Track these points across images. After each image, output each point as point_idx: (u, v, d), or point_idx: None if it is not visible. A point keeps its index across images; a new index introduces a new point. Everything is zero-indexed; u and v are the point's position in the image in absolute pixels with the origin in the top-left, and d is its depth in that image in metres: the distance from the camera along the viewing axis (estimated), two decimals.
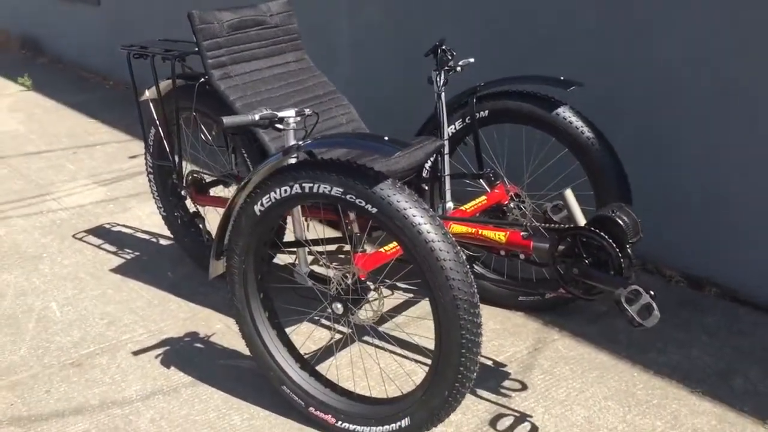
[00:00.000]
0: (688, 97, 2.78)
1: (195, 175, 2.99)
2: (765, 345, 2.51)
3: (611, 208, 2.04)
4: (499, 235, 2.27)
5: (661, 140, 2.89)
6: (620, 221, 2.00)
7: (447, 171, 2.72)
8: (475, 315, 1.87)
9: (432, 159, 2.80)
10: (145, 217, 3.79)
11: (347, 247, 2.21)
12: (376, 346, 2.56)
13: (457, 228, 2.36)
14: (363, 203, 1.88)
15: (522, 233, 2.22)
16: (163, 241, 3.51)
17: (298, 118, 2.11)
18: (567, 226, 2.08)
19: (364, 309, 2.14)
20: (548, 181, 2.77)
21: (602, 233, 1.99)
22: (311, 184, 1.95)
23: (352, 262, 2.11)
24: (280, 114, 2.07)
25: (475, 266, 2.85)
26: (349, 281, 2.09)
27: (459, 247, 1.88)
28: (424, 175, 2.84)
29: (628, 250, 2.01)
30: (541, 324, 2.73)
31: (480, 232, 2.32)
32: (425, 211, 1.86)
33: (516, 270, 2.87)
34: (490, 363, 2.52)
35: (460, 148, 2.86)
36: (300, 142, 2.07)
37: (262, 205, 2.05)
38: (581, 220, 2.10)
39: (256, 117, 2.02)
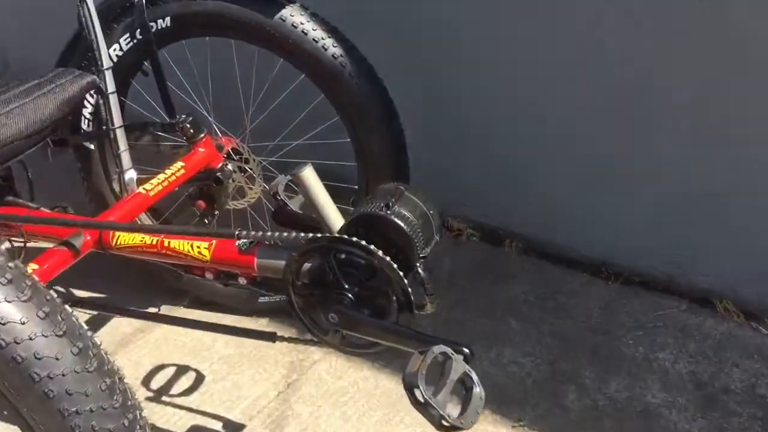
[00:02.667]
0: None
1: None
2: (592, 324, 1.86)
3: (385, 198, 1.14)
4: (200, 249, 1.30)
5: (449, 73, 2.04)
6: (401, 223, 1.12)
7: (118, 121, 1.66)
8: None
9: (93, 102, 1.71)
10: None
11: None
12: None
13: (127, 238, 1.35)
14: None
15: (238, 243, 1.27)
16: None
17: None
18: (311, 235, 1.16)
19: None
20: (284, 125, 1.82)
21: (371, 247, 1.11)
22: None
23: None
24: None
25: None
26: None
27: (100, 351, 0.90)
28: (84, 127, 1.75)
29: (420, 270, 1.15)
30: (294, 335, 1.85)
31: (167, 244, 1.33)
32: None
33: None
34: (218, 427, 1.61)
35: (138, 81, 1.79)
36: None
37: None
38: (334, 221, 1.19)
39: None
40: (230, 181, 1.74)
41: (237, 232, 1.19)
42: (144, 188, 1.53)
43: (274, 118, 1.81)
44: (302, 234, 1.15)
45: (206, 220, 1.78)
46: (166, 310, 1.97)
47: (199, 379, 1.75)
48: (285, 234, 1.16)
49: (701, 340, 1.79)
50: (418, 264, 1.14)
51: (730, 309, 1.85)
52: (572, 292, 1.97)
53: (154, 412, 1.65)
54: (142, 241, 1.34)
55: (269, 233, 1.18)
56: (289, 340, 1.35)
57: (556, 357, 1.76)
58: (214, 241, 1.29)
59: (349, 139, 1.66)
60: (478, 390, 1.03)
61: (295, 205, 1.33)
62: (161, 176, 1.57)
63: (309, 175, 1.15)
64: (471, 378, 1.03)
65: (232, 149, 1.73)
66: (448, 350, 1.04)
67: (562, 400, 1.65)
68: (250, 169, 1.74)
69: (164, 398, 1.69)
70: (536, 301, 1.95)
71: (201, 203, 1.75)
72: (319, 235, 1.14)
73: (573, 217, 2.03)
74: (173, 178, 1.58)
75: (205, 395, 1.70)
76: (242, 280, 1.30)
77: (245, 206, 1.81)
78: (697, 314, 1.87)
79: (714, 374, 1.69)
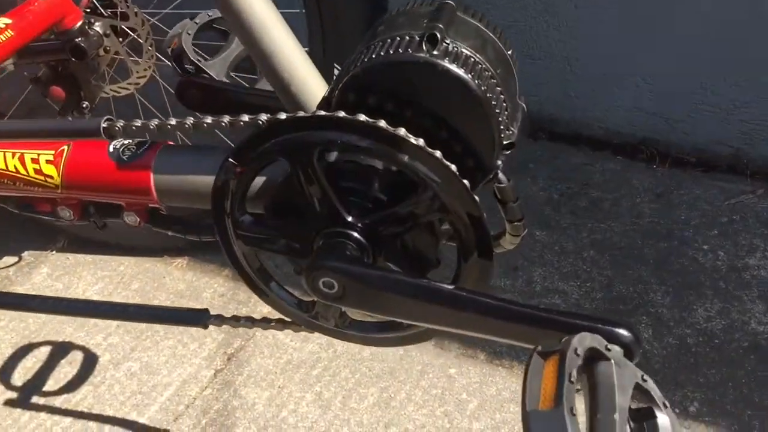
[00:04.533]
0: None
1: None
2: (646, 225, 1.34)
3: (419, 26, 0.53)
4: (39, 166, 0.66)
5: None
6: (466, 75, 0.51)
7: None
8: None
9: None
10: None
11: None
12: None
13: None
14: None
15: (114, 147, 0.64)
16: None
17: None
18: (267, 116, 0.54)
19: None
20: None
21: (400, 132, 0.51)
22: None
23: None
24: None
25: None
26: None
27: None
28: None
29: (500, 173, 0.57)
30: (219, 279, 1.27)
31: None
32: None
33: None
34: None
35: None
36: None
37: None
38: (311, 86, 0.57)
39: None
40: (100, 51, 1.08)
41: (105, 124, 0.56)
42: None
43: None
44: (247, 116, 0.54)
45: (70, 119, 1.12)
46: (32, 257, 1.34)
47: (90, 361, 1.15)
48: (210, 119, 0.55)
49: None
50: (499, 161, 0.55)
51: None
52: (607, 183, 1.44)
53: (21, 424, 1.05)
54: None
55: (175, 120, 0.56)
56: (234, 321, 0.75)
57: (609, 278, 1.24)
58: (66, 147, 0.66)
59: None
60: (666, 419, 0.48)
61: (218, 68, 0.70)
62: None
63: None
64: (651, 395, 0.48)
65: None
66: (599, 341, 0.47)
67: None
68: (132, 30, 1.08)
69: (37, 399, 1.09)
70: (562, 200, 1.41)
71: (57, 90, 1.09)
72: (283, 114, 0.53)
73: (592, 78, 1.47)
74: None
75: (101, 388, 1.11)
76: (130, 218, 0.69)
77: (131, 92, 1.15)
78: None
79: None
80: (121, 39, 1.10)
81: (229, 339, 1.17)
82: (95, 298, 1.25)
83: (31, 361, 1.15)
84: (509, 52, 0.57)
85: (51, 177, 0.66)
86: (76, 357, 1.15)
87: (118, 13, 1.07)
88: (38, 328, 1.20)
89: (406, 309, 0.54)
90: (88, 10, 1.07)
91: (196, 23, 0.73)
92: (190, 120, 0.55)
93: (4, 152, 0.67)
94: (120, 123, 0.56)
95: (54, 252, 1.35)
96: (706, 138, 1.43)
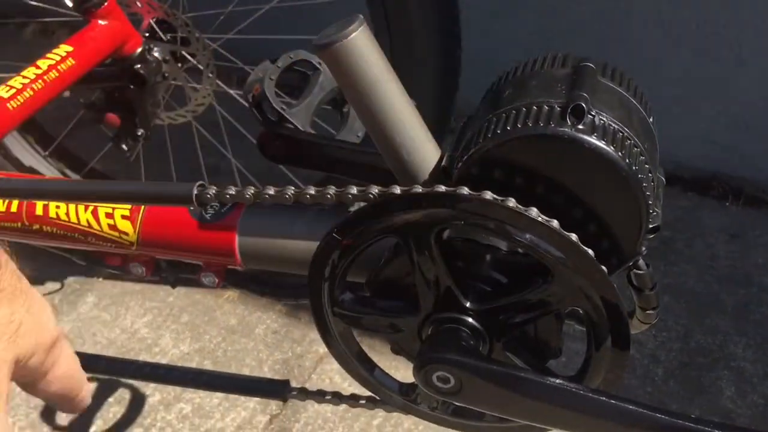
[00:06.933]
0: None
1: None
2: (723, 269, 1.26)
3: (557, 94, 0.46)
4: (114, 222, 0.61)
5: None
6: (616, 154, 0.45)
7: None
8: None
9: None
10: None
11: None
12: None
13: None
14: None
15: (199, 210, 0.59)
16: None
17: None
18: (378, 189, 0.48)
19: None
20: None
21: (535, 216, 0.44)
22: None
23: None
24: None
25: None
26: None
27: None
28: None
29: (641, 261, 0.50)
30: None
31: (43, 213, 0.63)
32: None
33: None
34: None
35: None
36: None
37: None
38: (422, 152, 0.51)
39: None
40: (159, 77, 1.03)
41: (197, 190, 0.51)
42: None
43: None
44: (355, 188, 0.48)
45: (124, 146, 1.07)
46: (78, 284, 1.29)
47: (139, 401, 1.10)
48: (314, 190, 0.49)
49: None
50: (643, 246, 0.49)
51: None
52: (678, 222, 1.36)
53: None
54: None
55: (274, 190, 0.50)
56: (319, 396, 0.69)
57: (686, 327, 1.17)
58: (139, 212, 0.60)
59: None
60: None
61: (302, 117, 0.65)
62: (31, 71, 0.84)
63: (363, 44, 0.47)
64: None
65: (158, 22, 1.01)
66: None
67: (718, 400, 1.06)
68: (192, 55, 1.03)
69: None
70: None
71: (112, 117, 1.04)
72: (398, 189, 0.47)
73: (660, 102, 1.40)
74: (54, 74, 0.86)
75: (152, 431, 1.05)
76: (208, 279, 0.64)
77: (188, 119, 1.10)
78: None
79: None
80: (180, 64, 1.05)
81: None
82: (144, 330, 1.21)
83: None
84: (651, 120, 0.50)
85: (126, 234, 0.61)
86: (125, 396, 1.10)
87: (179, 37, 1.02)
88: None
89: (533, 411, 0.47)
90: (147, 34, 1.02)
91: (279, 67, 0.67)
92: (290, 190, 0.49)
93: (77, 205, 0.62)
94: (212, 190, 0.50)
95: (101, 279, 1.30)
96: None
